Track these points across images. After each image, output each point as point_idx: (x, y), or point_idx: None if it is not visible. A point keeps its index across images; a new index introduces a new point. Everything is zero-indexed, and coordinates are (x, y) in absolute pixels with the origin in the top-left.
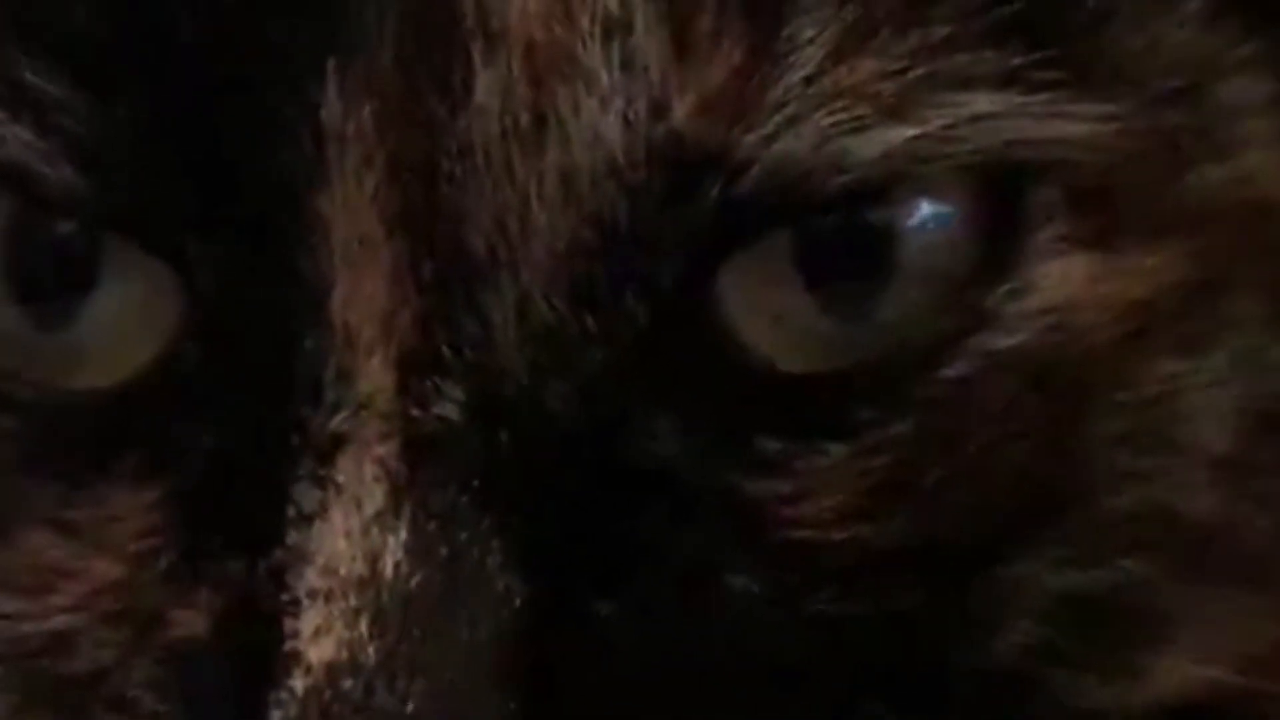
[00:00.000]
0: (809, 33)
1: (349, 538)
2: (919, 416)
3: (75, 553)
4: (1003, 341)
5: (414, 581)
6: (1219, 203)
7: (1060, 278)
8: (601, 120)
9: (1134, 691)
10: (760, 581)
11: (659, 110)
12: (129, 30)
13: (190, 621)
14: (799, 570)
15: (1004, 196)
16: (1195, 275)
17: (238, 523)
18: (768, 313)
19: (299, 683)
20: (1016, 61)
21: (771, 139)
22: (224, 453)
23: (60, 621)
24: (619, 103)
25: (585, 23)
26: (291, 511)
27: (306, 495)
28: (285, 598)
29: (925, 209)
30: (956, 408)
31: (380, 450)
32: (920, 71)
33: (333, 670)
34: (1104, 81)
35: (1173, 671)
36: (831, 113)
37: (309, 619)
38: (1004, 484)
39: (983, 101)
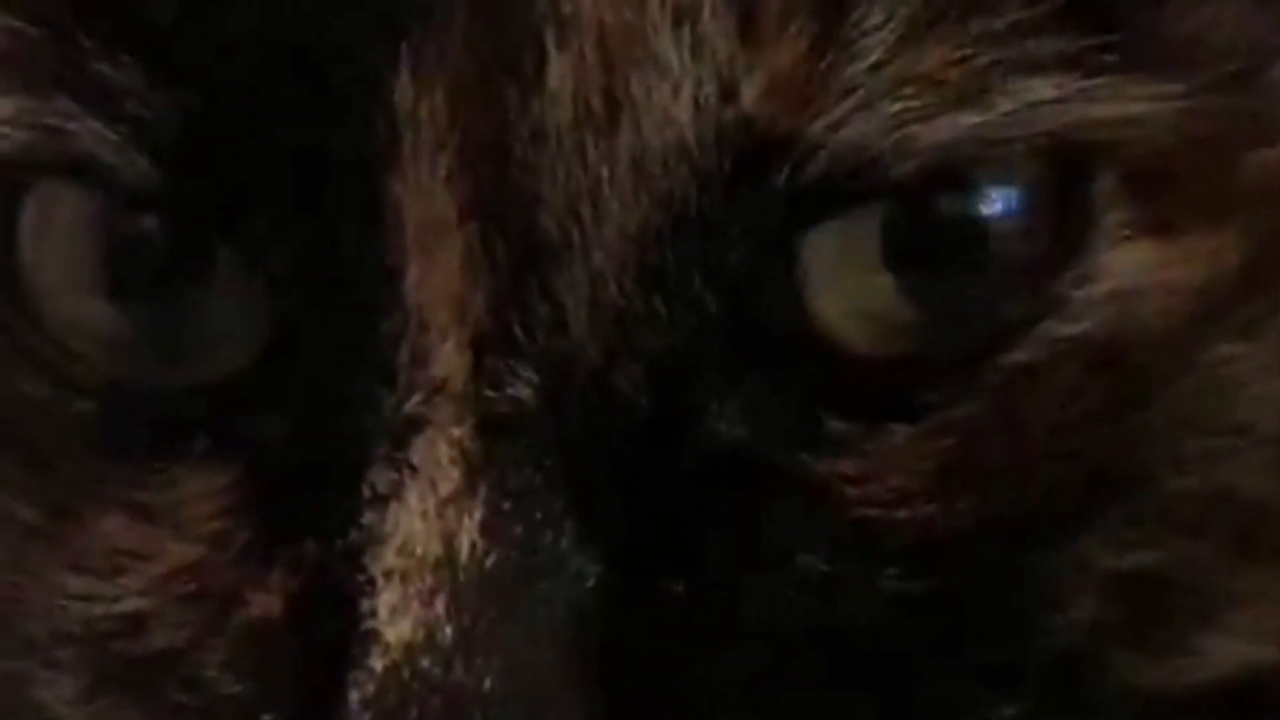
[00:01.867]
0: (876, 19)
1: (425, 518)
2: (985, 400)
3: (149, 535)
4: (1070, 328)
5: (489, 561)
6: (1275, 185)
7: (1125, 264)
8: (672, 104)
9: (1186, 670)
10: (829, 560)
11: (728, 94)
12: (199, 16)
13: (265, 602)
14: (867, 549)
15: (1070, 184)
16: (1252, 258)
17: (312, 505)
18: (846, 296)
19: (377, 662)
20: (1077, 46)
21: (839, 124)
22: (298, 436)
23: (134, 603)
24: (689, 87)
25: (655, 7)
26: (367, 493)
27: (382, 477)
28: (361, 578)
29: (999, 196)
30: (1022, 392)
31: (455, 432)
32: (985, 58)
33: (411, 649)
34: (1162, 64)
35: (1224, 651)
36: (899, 99)
37: (385, 599)
38: (1067, 466)
39: (1046, 86)
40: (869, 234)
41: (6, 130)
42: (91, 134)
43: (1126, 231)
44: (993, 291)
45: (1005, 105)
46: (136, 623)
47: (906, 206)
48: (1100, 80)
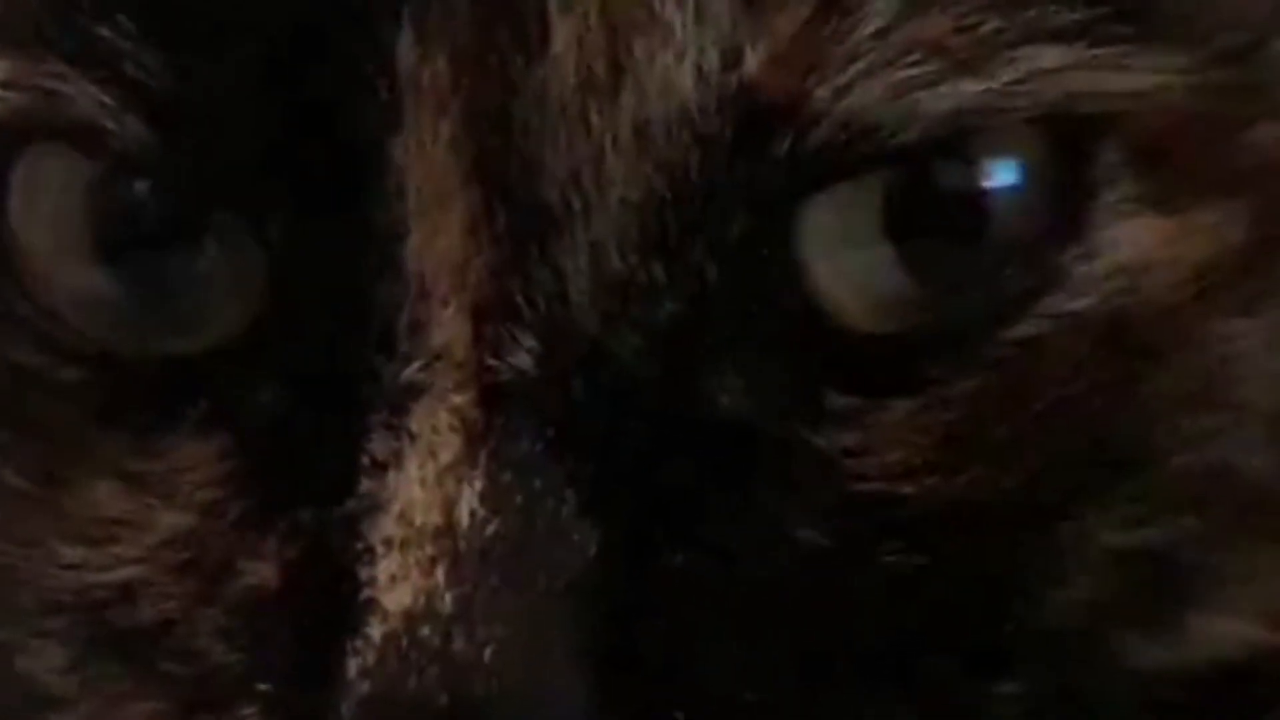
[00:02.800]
0: None
1: (424, 486)
2: (987, 374)
3: (142, 503)
4: (1073, 303)
5: (490, 530)
6: (1278, 160)
7: (1128, 239)
8: (675, 71)
9: (1184, 649)
10: (828, 533)
11: (731, 61)
12: None
13: (260, 571)
14: (866, 523)
15: (1073, 157)
16: (1255, 234)
17: (309, 473)
18: (846, 269)
19: (376, 630)
20: (1083, 16)
21: (843, 91)
22: (296, 403)
23: (126, 572)
24: (692, 53)
25: None
26: (365, 461)
27: (381, 444)
28: (359, 546)
29: (1000, 168)
30: (1024, 366)
31: (456, 399)
32: (991, 26)
33: (410, 618)
34: (1168, 36)
35: (1222, 630)
36: (903, 66)
37: (384, 567)
38: (1069, 442)
39: (1051, 55)
40: (869, 205)
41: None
42: (86, 96)
43: (1129, 206)
44: (993, 265)
45: (1009, 74)
46: (128, 592)
47: (907, 177)
48: (1105, 50)
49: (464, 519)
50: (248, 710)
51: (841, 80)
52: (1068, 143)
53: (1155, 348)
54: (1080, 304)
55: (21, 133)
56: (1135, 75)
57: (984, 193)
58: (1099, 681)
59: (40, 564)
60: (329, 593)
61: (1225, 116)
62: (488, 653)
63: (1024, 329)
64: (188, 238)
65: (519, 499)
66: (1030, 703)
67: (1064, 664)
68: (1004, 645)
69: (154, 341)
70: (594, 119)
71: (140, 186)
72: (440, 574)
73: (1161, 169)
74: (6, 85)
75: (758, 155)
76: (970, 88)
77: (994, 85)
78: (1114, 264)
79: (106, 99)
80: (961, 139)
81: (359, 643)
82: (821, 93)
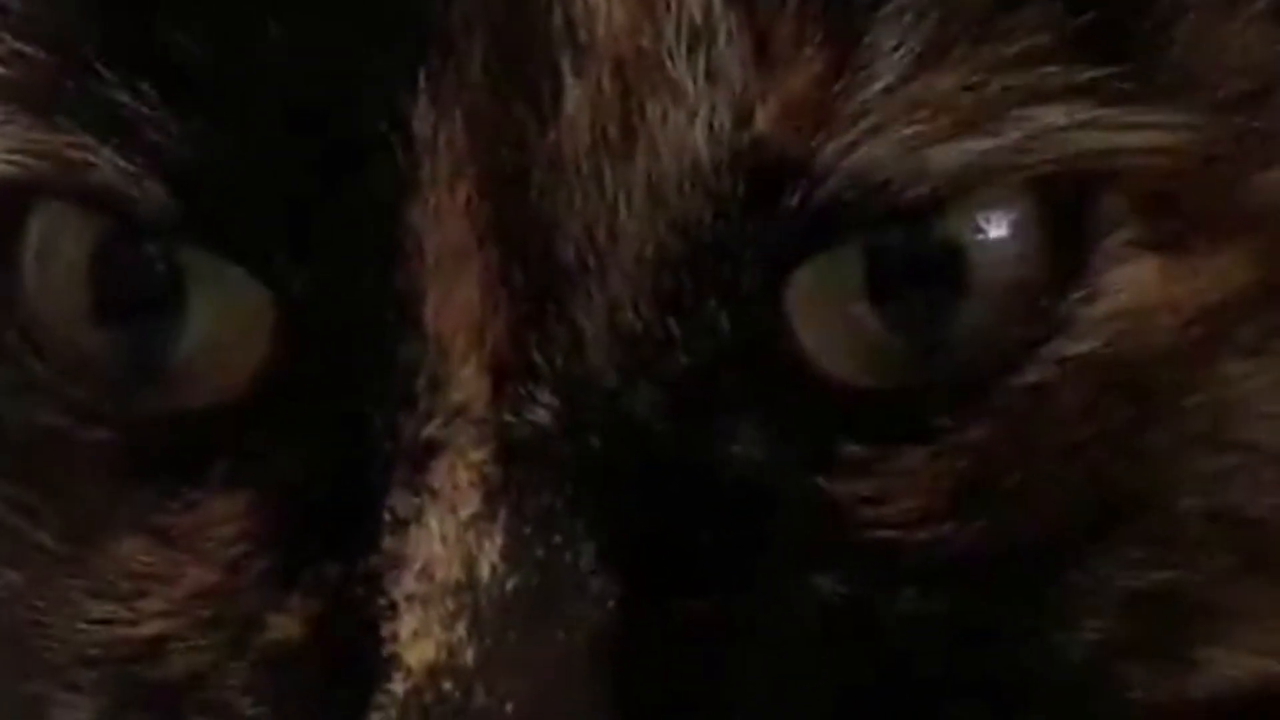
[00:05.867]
0: (889, 43)
1: (445, 542)
2: (995, 421)
3: (169, 558)
4: (1076, 347)
5: (510, 585)
6: None
7: (1131, 282)
8: (687, 130)
9: (1194, 685)
10: (844, 581)
11: (742, 118)
12: (218, 45)
13: (285, 626)
14: (881, 570)
15: (1074, 204)
16: (1260, 275)
17: (332, 529)
18: (833, 328)
19: (399, 685)
20: (1088, 74)
21: (852, 148)
22: (318, 460)
23: (153, 627)
24: (704, 112)
25: (671, 33)
26: (387, 517)
27: (402, 501)
28: (382, 602)
29: (994, 222)
30: (1032, 412)
31: (475, 456)
32: (997, 85)
33: (432, 673)
34: (1173, 88)
35: (1231, 665)
36: (911, 124)
37: (407, 623)
38: (1079, 486)
39: (1057, 114)
40: (851, 265)
41: (18, 158)
42: (108, 163)
43: (1132, 250)
44: (983, 317)
45: (1017, 132)
46: (156, 646)
47: (887, 235)
48: (1112, 109)
49: (485, 574)
50: None
51: (849, 137)
52: (1069, 192)
53: (1160, 390)
54: (1085, 348)
55: (35, 195)
56: (1140, 132)
57: (967, 247)
58: (1110, 717)
59: (70, 620)
60: (352, 648)
61: (1232, 161)
62: (510, 707)
63: (1030, 375)
64: (186, 297)
65: (539, 553)
66: None
67: (1077, 701)
68: (1016, 687)
69: (168, 399)
70: (608, 179)
71: (147, 247)
72: (462, 629)
73: (1166, 213)
74: (25, 150)
75: (768, 211)
76: (976, 146)
77: (1002, 143)
78: (1118, 307)
79: (128, 165)
80: (959, 194)
81: (382, 697)
82: (831, 148)
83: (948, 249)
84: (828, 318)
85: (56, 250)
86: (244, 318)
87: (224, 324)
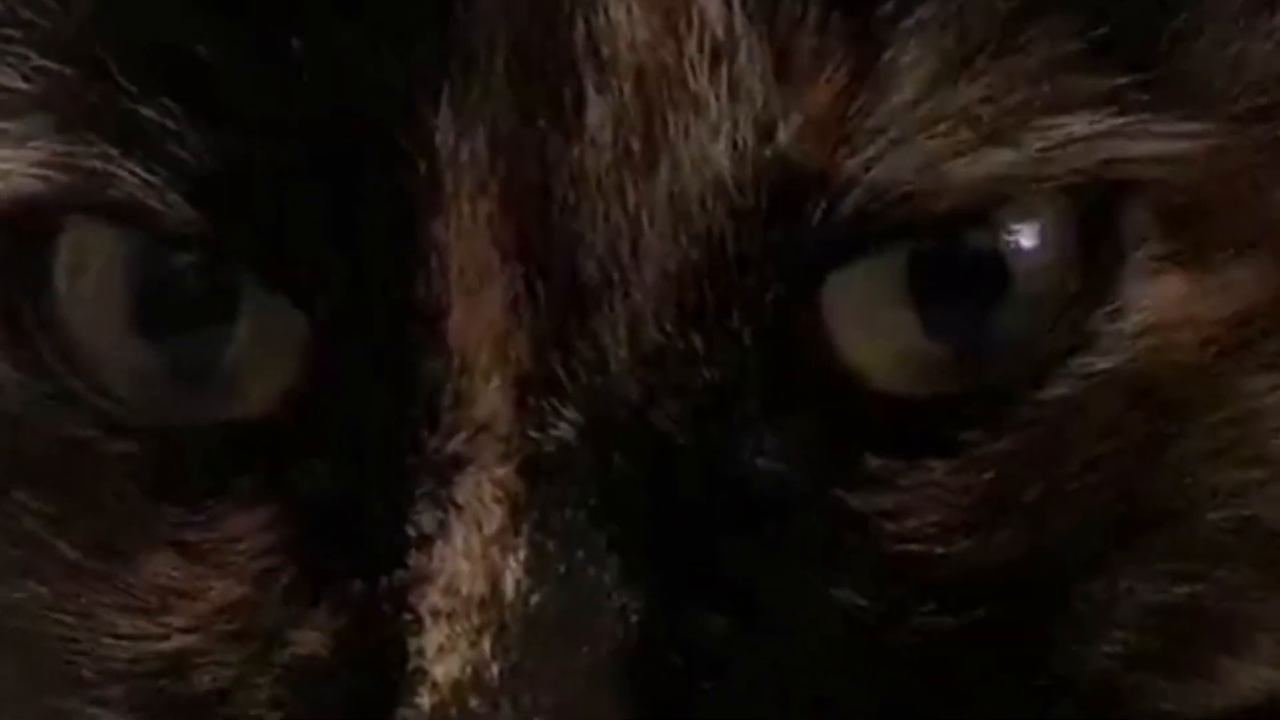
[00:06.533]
0: (910, 57)
1: (470, 557)
2: (1021, 435)
3: (195, 573)
4: (1104, 363)
5: (534, 600)
6: None
7: (1157, 297)
8: (710, 145)
9: (1213, 695)
10: (866, 595)
11: (764, 133)
12: (240, 59)
13: (311, 641)
14: (904, 584)
15: (1101, 219)
16: None
17: (357, 544)
18: (873, 334)
19: (425, 700)
20: (1109, 84)
21: (874, 161)
22: (343, 475)
23: (180, 641)
24: (726, 127)
25: (693, 49)
26: (412, 532)
27: (426, 516)
28: (407, 617)
29: (1029, 234)
30: (1057, 426)
31: (499, 471)
32: (1019, 96)
33: (458, 688)
34: (1192, 100)
35: (1249, 675)
36: (933, 136)
37: (432, 638)
38: (1103, 500)
39: (1079, 124)
40: (894, 270)
41: (44, 172)
42: (131, 177)
43: (1157, 264)
44: (1020, 326)
45: (1039, 143)
46: (182, 661)
47: (932, 244)
48: (1133, 118)
49: (509, 589)
50: None
51: (872, 150)
52: (1094, 204)
53: (1185, 404)
54: (1110, 363)
55: (64, 210)
56: (1164, 141)
57: (1008, 256)
58: None
59: (97, 634)
60: (378, 662)
61: (1254, 175)
62: None
63: (1056, 389)
64: (228, 311)
65: (563, 568)
66: None
67: (1098, 715)
68: (1038, 700)
69: (196, 413)
70: (630, 194)
71: (181, 259)
72: (487, 644)
73: (1189, 227)
74: (51, 165)
75: (791, 225)
76: (999, 158)
77: (1023, 154)
78: (1143, 322)
79: (151, 178)
80: (988, 206)
81: (408, 712)
82: (853, 163)
83: (990, 258)
84: (869, 324)
85: (86, 263)
86: (279, 333)
87: (263, 339)
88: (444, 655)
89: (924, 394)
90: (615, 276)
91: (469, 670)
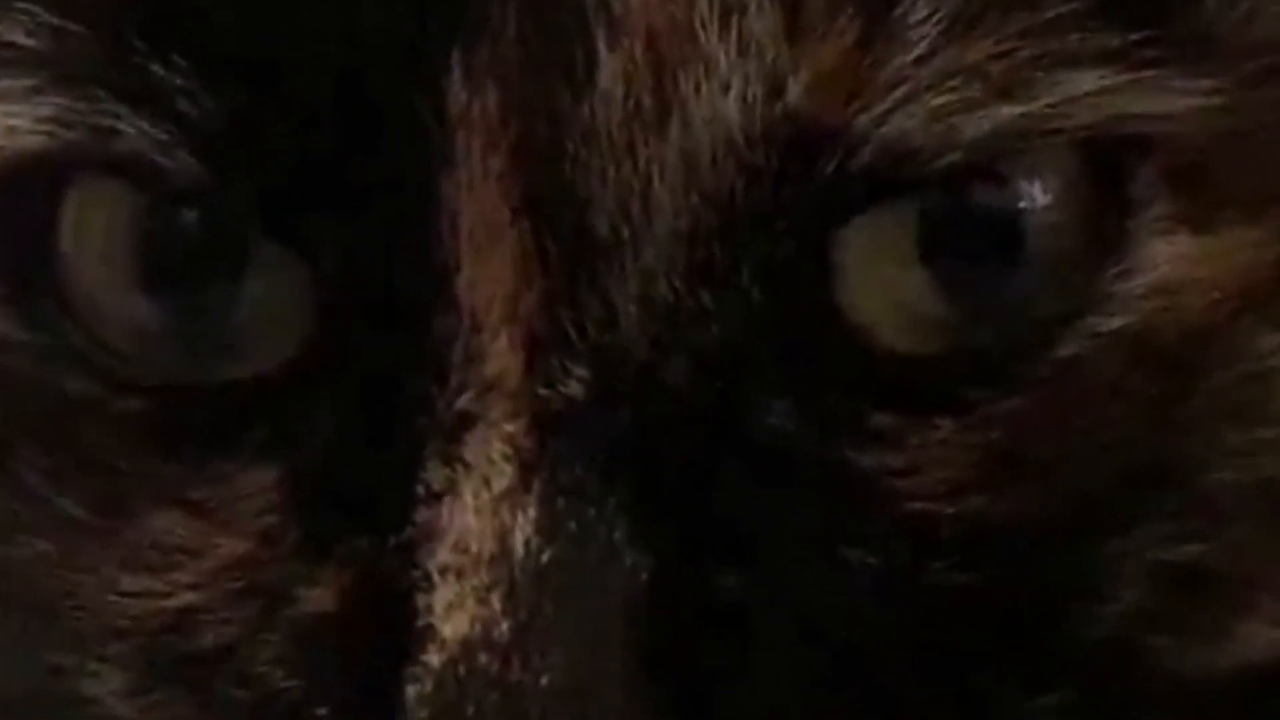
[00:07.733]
0: (921, 13)
1: (479, 514)
2: (1029, 393)
3: (200, 531)
4: (1113, 322)
5: (544, 557)
6: None
7: (1167, 257)
8: (720, 101)
9: (1223, 654)
10: (875, 554)
11: (775, 90)
12: (250, 16)
13: (318, 598)
14: (913, 543)
15: (1111, 179)
16: None
17: (365, 501)
18: (882, 291)
19: (434, 658)
20: (1120, 40)
21: (885, 117)
22: (351, 432)
23: (185, 599)
24: (737, 83)
25: (703, 7)
26: (421, 490)
27: (435, 473)
28: (416, 574)
29: (1039, 192)
30: (1066, 385)
31: (508, 428)
32: (1028, 52)
33: (467, 645)
34: (1203, 57)
35: (1258, 634)
36: (943, 92)
37: (441, 595)
38: (1112, 459)
39: (1089, 79)
40: (904, 227)
41: (51, 128)
42: (139, 133)
43: (1166, 224)
44: (1030, 285)
45: (1048, 97)
46: (187, 618)
47: (942, 200)
48: (1142, 75)
49: (518, 547)
50: None
51: (883, 106)
52: (1104, 163)
53: (1194, 364)
54: (1119, 323)
55: (71, 166)
56: (1173, 98)
57: (1019, 214)
58: (1138, 688)
59: (100, 591)
60: (386, 620)
61: (1262, 135)
62: (545, 679)
63: (1065, 349)
64: (236, 267)
65: (572, 526)
66: (1070, 713)
67: (1107, 672)
68: (1048, 659)
69: (204, 370)
70: (641, 151)
71: (188, 216)
72: (496, 602)
73: (1198, 187)
74: (58, 121)
75: (801, 182)
76: (1009, 111)
77: (1032, 109)
78: (1152, 283)
79: (159, 134)
80: (998, 162)
81: (417, 670)
82: (863, 119)
83: (1000, 217)
84: (878, 281)
85: (93, 220)
86: (287, 290)
87: (270, 296)
88: (453, 612)
89: (933, 352)
90: (625, 234)
91: (478, 627)
